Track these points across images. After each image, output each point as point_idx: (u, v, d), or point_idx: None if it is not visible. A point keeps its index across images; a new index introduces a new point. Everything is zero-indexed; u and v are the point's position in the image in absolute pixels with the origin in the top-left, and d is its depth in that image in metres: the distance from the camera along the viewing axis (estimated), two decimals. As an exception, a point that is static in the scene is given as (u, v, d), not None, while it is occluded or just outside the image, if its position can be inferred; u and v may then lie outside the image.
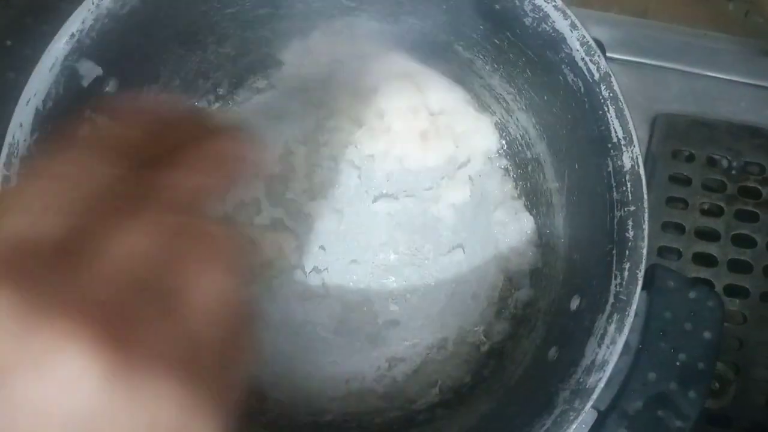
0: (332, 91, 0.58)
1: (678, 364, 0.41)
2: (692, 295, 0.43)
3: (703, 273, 0.58)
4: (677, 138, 0.60)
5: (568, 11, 0.41)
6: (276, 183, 0.57)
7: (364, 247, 0.56)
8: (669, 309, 0.42)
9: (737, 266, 0.58)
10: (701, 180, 0.60)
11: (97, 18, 0.41)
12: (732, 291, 0.58)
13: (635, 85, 0.61)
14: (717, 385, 0.54)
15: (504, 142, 0.56)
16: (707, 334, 0.42)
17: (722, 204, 0.59)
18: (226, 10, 0.49)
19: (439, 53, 0.55)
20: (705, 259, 0.59)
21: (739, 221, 0.59)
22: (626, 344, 0.39)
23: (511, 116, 0.54)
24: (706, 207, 0.60)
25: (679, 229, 0.59)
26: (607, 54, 0.53)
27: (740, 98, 0.61)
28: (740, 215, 0.59)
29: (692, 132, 0.60)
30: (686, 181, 0.60)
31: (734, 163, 0.60)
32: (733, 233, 0.59)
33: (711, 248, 0.59)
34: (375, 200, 0.57)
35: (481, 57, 0.51)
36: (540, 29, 0.42)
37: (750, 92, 0.62)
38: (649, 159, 0.59)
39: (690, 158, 0.60)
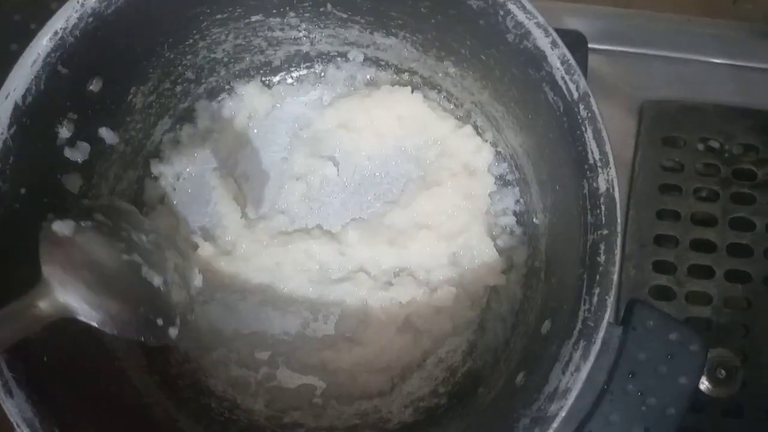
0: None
1: (644, 408, 0.38)
2: (673, 336, 0.40)
3: (702, 259, 0.56)
4: (667, 124, 0.58)
5: (550, 29, 0.40)
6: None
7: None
8: (644, 350, 0.40)
9: (737, 251, 0.56)
10: (694, 165, 0.58)
11: (81, 17, 0.42)
12: (733, 276, 0.56)
13: (620, 74, 0.60)
14: (723, 372, 0.52)
15: (495, 160, 0.55)
16: (684, 380, 0.39)
17: (717, 188, 0.57)
18: (216, 16, 0.49)
19: (431, 68, 0.55)
20: (703, 245, 0.57)
21: (736, 204, 0.57)
22: (591, 381, 0.37)
23: (501, 134, 0.54)
24: (701, 193, 0.58)
25: (675, 216, 0.57)
26: (590, 45, 0.52)
27: (729, 80, 0.60)
28: (736, 198, 0.57)
29: (682, 117, 0.58)
30: (679, 168, 0.58)
31: (727, 146, 0.58)
32: (730, 217, 0.57)
33: (708, 234, 0.57)
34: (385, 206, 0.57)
35: (471, 73, 0.51)
36: (522, 46, 0.41)
37: (738, 74, 0.60)
38: (639, 148, 0.58)
39: (681, 144, 0.58)
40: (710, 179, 0.58)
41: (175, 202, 0.56)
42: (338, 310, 0.55)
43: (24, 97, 0.41)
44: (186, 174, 0.56)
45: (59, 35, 0.42)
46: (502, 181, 0.56)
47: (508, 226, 0.55)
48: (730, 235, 0.57)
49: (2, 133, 0.41)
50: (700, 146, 0.59)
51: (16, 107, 0.41)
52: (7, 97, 0.41)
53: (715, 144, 0.59)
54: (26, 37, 0.42)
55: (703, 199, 0.58)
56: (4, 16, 0.45)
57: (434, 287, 0.55)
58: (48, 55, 0.41)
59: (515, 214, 0.55)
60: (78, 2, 0.42)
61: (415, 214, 0.56)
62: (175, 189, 0.56)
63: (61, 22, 0.42)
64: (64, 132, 0.44)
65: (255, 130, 0.58)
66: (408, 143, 0.57)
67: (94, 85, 0.45)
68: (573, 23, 0.57)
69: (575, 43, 0.54)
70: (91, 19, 0.42)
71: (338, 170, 0.57)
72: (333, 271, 0.55)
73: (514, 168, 0.54)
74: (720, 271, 0.56)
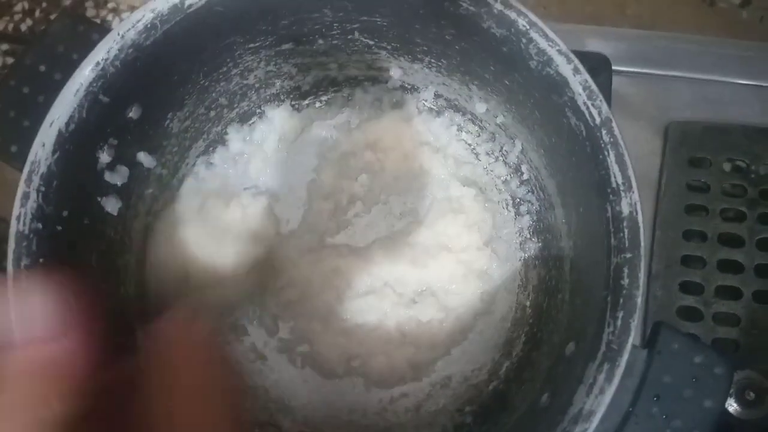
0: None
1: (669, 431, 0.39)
2: (698, 360, 0.40)
3: (730, 280, 0.56)
4: (692, 145, 0.59)
5: (572, 56, 0.41)
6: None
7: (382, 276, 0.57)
8: (669, 373, 0.40)
9: (765, 271, 0.56)
10: (720, 186, 0.58)
11: (121, 48, 0.44)
12: (761, 297, 0.55)
13: (645, 95, 0.60)
14: (752, 394, 0.52)
15: (518, 181, 0.56)
16: (708, 403, 0.39)
17: (744, 209, 0.57)
18: (248, 45, 0.51)
19: (455, 92, 0.56)
20: (730, 266, 0.56)
21: (763, 225, 0.57)
22: (616, 404, 0.37)
23: (525, 156, 0.54)
24: (728, 213, 0.58)
25: (702, 236, 0.57)
26: (615, 67, 0.53)
27: (754, 101, 0.60)
28: (764, 219, 0.57)
29: (707, 138, 0.59)
30: (705, 188, 0.58)
31: (753, 167, 0.58)
32: (757, 238, 0.56)
33: (736, 254, 0.56)
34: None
35: (495, 96, 0.52)
36: (545, 72, 0.42)
37: (764, 94, 0.60)
38: (665, 168, 0.58)
39: (707, 164, 0.59)
40: (737, 200, 0.58)
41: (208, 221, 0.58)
42: (362, 325, 0.56)
43: (67, 124, 0.43)
44: (219, 194, 0.58)
45: (101, 66, 0.44)
46: (525, 203, 0.56)
47: (532, 248, 0.56)
48: (758, 256, 0.56)
49: (47, 159, 0.43)
50: (726, 167, 0.59)
51: (60, 134, 0.43)
52: (51, 125, 0.43)
53: (741, 165, 0.59)
54: (69, 67, 0.44)
55: (730, 220, 0.58)
56: (48, 48, 0.48)
57: (456, 307, 0.56)
58: (90, 84, 0.44)
59: (538, 235, 0.56)
60: (118, 34, 0.44)
61: (438, 234, 0.57)
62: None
63: (102, 53, 0.44)
64: (105, 157, 0.47)
65: (285, 152, 0.60)
66: (433, 165, 0.59)
67: (134, 112, 0.47)
68: (597, 46, 0.58)
69: (599, 65, 0.55)
70: (130, 50, 0.44)
71: (365, 190, 0.59)
72: (359, 288, 0.56)
73: (537, 189, 0.55)
74: (748, 292, 0.56)
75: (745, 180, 0.58)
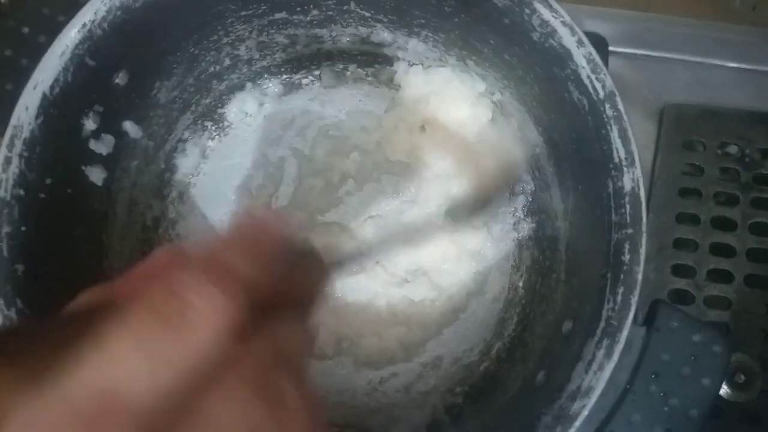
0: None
1: (666, 409, 0.38)
2: (697, 338, 0.40)
3: (722, 264, 0.56)
4: (687, 128, 0.58)
5: (576, 28, 0.40)
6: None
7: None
8: (667, 351, 0.40)
9: (757, 255, 0.56)
10: (714, 170, 0.58)
11: (109, 10, 0.42)
12: (753, 281, 0.55)
13: (641, 77, 0.59)
14: (742, 377, 0.52)
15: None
16: (706, 381, 0.39)
17: (737, 193, 0.57)
18: (240, 13, 0.49)
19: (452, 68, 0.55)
20: (723, 250, 0.56)
21: (756, 209, 0.57)
22: (614, 382, 0.37)
23: (521, 135, 0.54)
24: (721, 197, 0.58)
25: (695, 220, 0.57)
26: (612, 48, 0.53)
27: (749, 85, 0.60)
28: (756, 203, 0.57)
29: (702, 122, 0.58)
30: (699, 172, 0.58)
31: (747, 151, 0.58)
32: (750, 222, 0.56)
33: (728, 238, 0.56)
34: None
35: (492, 72, 0.51)
36: (547, 45, 0.41)
37: (759, 79, 0.60)
38: (659, 151, 0.58)
39: (701, 148, 0.58)
40: (730, 184, 0.58)
41: (194, 197, 0.56)
42: (351, 304, 0.55)
43: (52, 87, 0.41)
44: (206, 169, 0.57)
45: (87, 27, 0.42)
46: (520, 183, 0.56)
47: (526, 228, 0.55)
48: (750, 240, 0.56)
49: (30, 124, 0.41)
50: (720, 151, 0.59)
51: (44, 98, 0.41)
52: (35, 88, 0.41)
53: (734, 149, 0.59)
54: (54, 29, 0.42)
55: (723, 204, 0.58)
56: (33, 9, 0.46)
57: (448, 287, 0.55)
58: (76, 46, 0.42)
59: (533, 215, 0.55)
60: (107, -5, 0.42)
61: (431, 213, 0.56)
62: (195, 184, 0.57)
63: (89, 14, 0.42)
64: (90, 124, 0.45)
65: (275, 127, 0.58)
66: (429, 143, 0.58)
67: (120, 79, 0.46)
68: (593, 26, 0.57)
69: (596, 45, 0.54)
70: (119, 12, 0.42)
71: (357, 168, 0.58)
72: (351, 266, 0.55)
73: (533, 168, 0.54)
74: (739, 275, 0.56)
75: (739, 164, 0.58)
